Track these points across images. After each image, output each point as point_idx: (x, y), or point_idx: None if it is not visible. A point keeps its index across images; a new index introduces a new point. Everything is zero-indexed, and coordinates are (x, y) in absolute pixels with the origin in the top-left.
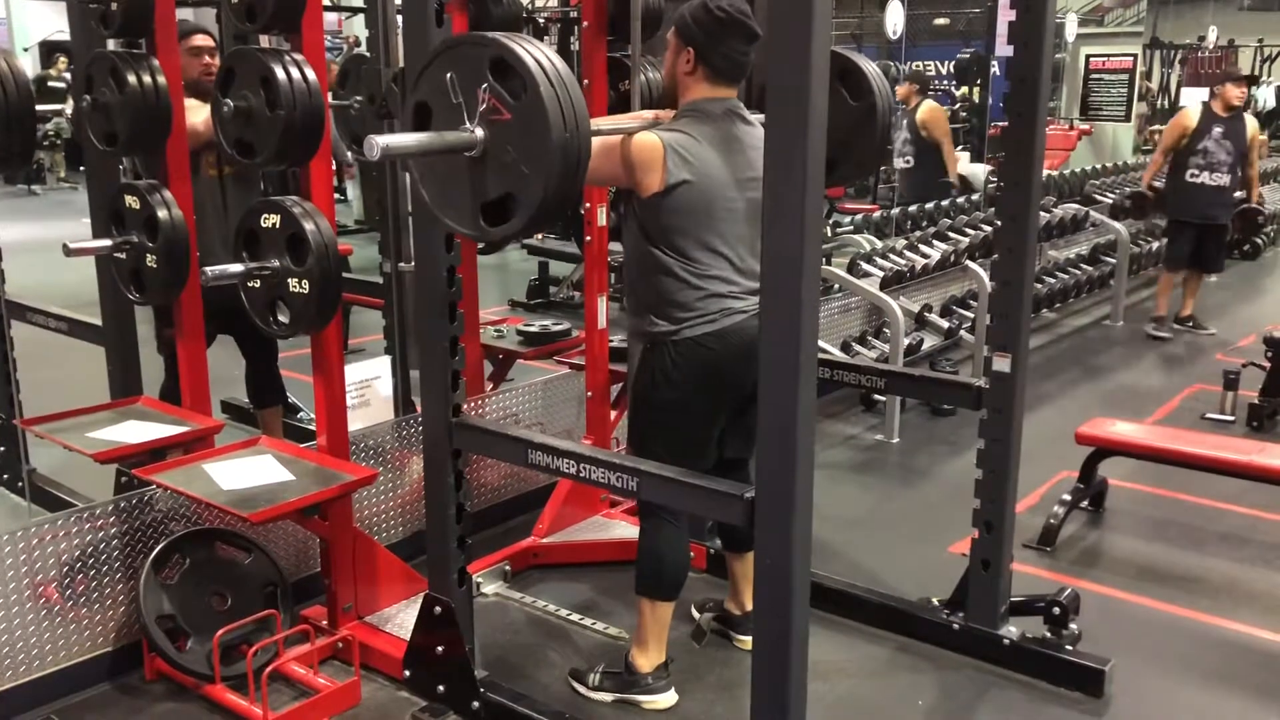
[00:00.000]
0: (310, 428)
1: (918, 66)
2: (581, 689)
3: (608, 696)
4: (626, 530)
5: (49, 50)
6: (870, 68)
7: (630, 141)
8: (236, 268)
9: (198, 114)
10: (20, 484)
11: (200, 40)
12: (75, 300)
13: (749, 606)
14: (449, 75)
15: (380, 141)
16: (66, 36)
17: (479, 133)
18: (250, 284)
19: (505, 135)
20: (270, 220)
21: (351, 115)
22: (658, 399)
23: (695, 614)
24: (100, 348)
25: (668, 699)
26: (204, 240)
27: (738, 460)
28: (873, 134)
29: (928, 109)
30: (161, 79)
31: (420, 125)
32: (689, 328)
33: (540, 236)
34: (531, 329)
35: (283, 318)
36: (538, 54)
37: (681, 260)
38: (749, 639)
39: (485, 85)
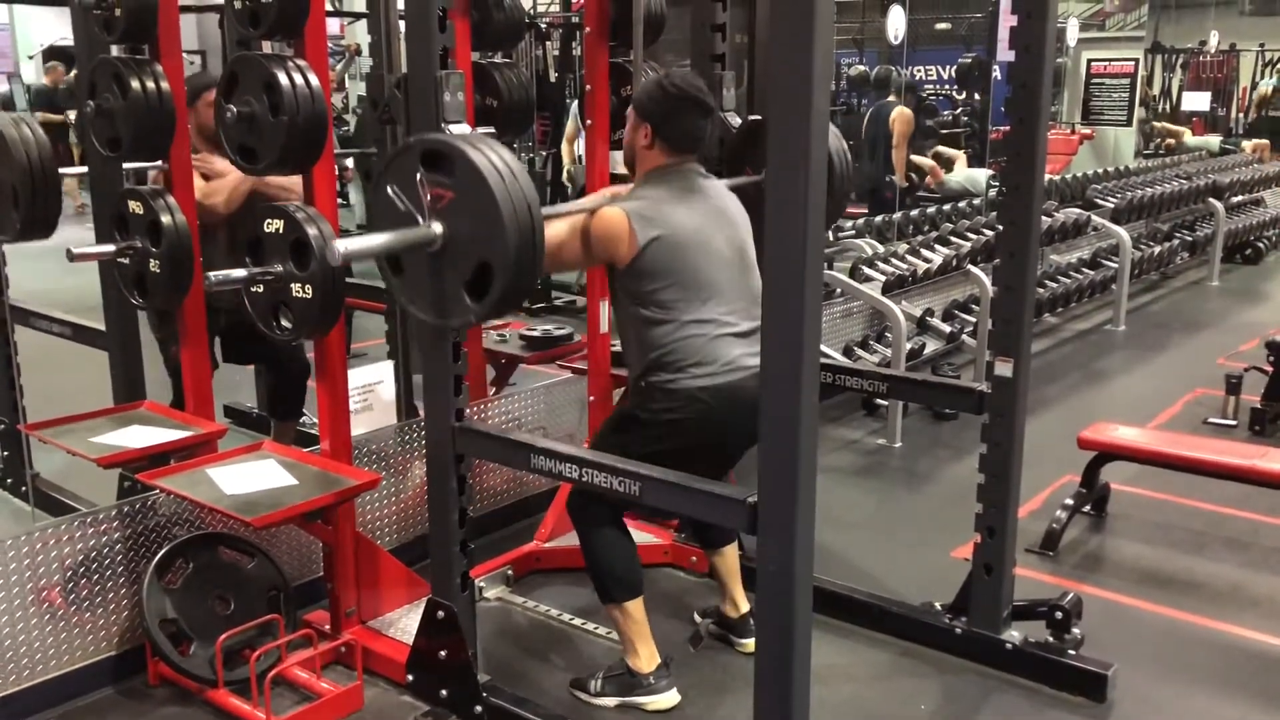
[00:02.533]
0: (313, 432)
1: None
2: (584, 697)
3: (611, 701)
4: None
5: (50, 55)
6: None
7: (594, 217)
8: (240, 273)
9: (220, 191)
10: (24, 489)
11: None
12: (79, 305)
13: (743, 607)
14: (389, 187)
15: (340, 248)
16: (69, 42)
17: (436, 227)
18: (253, 289)
19: (457, 211)
20: (274, 225)
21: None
22: (639, 438)
23: (697, 619)
24: (104, 353)
25: (670, 698)
26: None
27: None
28: (833, 192)
29: (900, 111)
30: (165, 84)
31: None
32: (688, 379)
33: None
34: (534, 334)
35: (286, 323)
36: (453, 129)
37: (673, 313)
38: (750, 642)
39: (419, 176)
